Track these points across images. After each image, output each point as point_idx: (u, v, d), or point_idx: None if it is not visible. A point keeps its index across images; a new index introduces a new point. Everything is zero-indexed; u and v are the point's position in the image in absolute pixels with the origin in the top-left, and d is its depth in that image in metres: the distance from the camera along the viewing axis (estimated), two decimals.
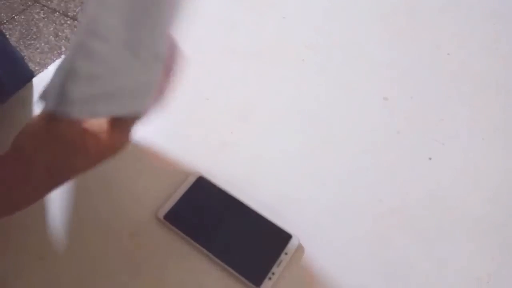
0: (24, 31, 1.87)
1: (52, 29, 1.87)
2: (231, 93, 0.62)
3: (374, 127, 0.57)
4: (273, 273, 0.45)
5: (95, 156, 0.34)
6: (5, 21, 1.91)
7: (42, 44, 1.82)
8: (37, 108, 0.34)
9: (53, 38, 1.84)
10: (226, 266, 0.46)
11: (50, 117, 0.32)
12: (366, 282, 0.46)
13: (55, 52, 1.78)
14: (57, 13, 1.93)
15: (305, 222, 0.49)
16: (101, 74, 0.32)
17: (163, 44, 0.35)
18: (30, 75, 0.65)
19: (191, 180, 0.52)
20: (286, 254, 0.46)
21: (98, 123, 0.32)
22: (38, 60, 1.77)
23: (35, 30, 1.87)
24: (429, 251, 0.47)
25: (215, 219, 0.49)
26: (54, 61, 0.66)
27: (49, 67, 0.65)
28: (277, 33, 0.69)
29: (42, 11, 1.95)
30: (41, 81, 0.64)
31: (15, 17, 1.93)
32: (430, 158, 0.54)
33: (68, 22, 1.89)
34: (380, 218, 0.50)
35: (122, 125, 0.34)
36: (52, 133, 0.33)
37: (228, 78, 0.64)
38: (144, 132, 0.57)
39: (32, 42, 1.83)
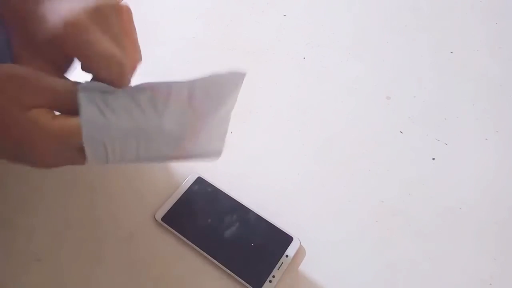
0: None
1: None
2: None
3: (376, 126, 0.57)
4: (273, 276, 0.44)
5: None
6: None
7: None
8: None
9: None
10: (226, 269, 0.45)
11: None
12: (367, 284, 0.45)
13: None
14: None
15: (306, 224, 0.49)
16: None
17: None
18: None
19: (190, 181, 0.51)
20: (287, 256, 0.46)
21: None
22: None
23: None
24: (431, 252, 0.47)
25: (214, 221, 0.49)
26: None
27: None
28: (278, 31, 0.68)
29: None
30: None
31: None
32: (433, 158, 0.53)
33: None
34: (382, 219, 0.49)
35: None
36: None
37: None
38: None
39: None
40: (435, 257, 0.47)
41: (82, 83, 0.31)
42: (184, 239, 0.47)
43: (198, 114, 0.34)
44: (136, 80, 0.66)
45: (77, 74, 0.34)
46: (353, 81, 0.62)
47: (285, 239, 0.47)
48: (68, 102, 0.30)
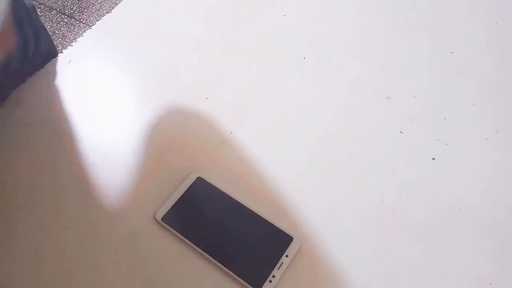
0: None
1: (49, 27, 1.85)
2: (231, 93, 0.61)
3: (376, 126, 0.57)
4: (273, 276, 0.44)
5: None
6: None
7: None
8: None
9: None
10: (226, 269, 0.45)
11: None
12: (367, 284, 0.45)
13: None
14: (54, 11, 1.92)
15: (306, 224, 0.49)
16: None
17: None
18: (53, 54, 0.66)
19: (190, 181, 0.51)
20: (287, 256, 0.46)
21: None
22: None
23: None
24: (431, 252, 0.47)
25: (214, 221, 0.49)
26: (43, 66, 0.65)
27: (45, 65, 0.64)
28: (278, 31, 0.68)
29: (38, 9, 1.94)
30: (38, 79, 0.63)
31: None
32: (433, 158, 0.53)
33: (65, 20, 1.88)
34: (382, 219, 0.49)
35: None
36: None
37: (228, 77, 0.63)
38: (142, 132, 0.57)
39: None
40: (435, 257, 0.47)
41: None
42: (184, 239, 0.47)
43: None
44: (139, 79, 0.66)
45: None
46: (353, 81, 0.62)
47: (285, 239, 0.47)
48: None
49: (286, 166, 0.53)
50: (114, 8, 0.71)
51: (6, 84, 0.60)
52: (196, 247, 0.46)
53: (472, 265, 0.46)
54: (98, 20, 0.70)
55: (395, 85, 0.61)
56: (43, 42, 0.65)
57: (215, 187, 0.51)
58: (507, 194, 0.51)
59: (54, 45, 0.68)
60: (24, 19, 0.60)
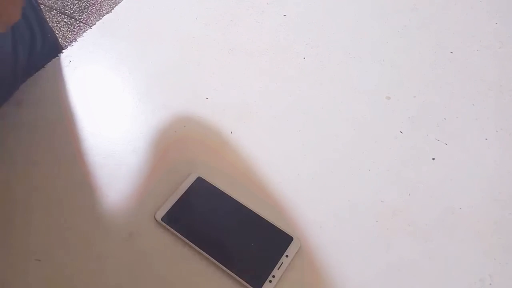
0: None
1: None
2: (231, 93, 0.61)
3: (376, 126, 0.57)
4: (273, 276, 0.44)
5: None
6: None
7: None
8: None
9: None
10: (226, 269, 0.45)
11: None
12: (367, 284, 0.45)
13: None
14: (54, 11, 1.92)
15: (306, 224, 0.49)
16: None
17: None
18: (58, 48, 0.66)
19: (190, 181, 0.51)
20: (287, 256, 0.46)
21: None
22: None
23: None
24: (431, 252, 0.47)
25: (214, 221, 0.49)
26: (50, 60, 0.65)
27: (46, 65, 0.64)
28: (278, 31, 0.68)
29: None
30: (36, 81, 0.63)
31: None
32: (433, 158, 0.53)
33: (65, 20, 1.88)
34: (382, 219, 0.49)
35: None
36: None
37: (228, 77, 0.63)
38: (142, 132, 0.57)
39: None
40: (435, 257, 0.47)
41: None
42: (184, 239, 0.47)
43: None
44: (139, 79, 0.66)
45: None
46: (353, 81, 0.62)
47: (285, 239, 0.47)
48: None
49: (286, 166, 0.53)
50: (114, 8, 0.71)
51: (17, 77, 0.61)
52: (196, 247, 0.46)
53: (472, 265, 0.46)
54: (98, 20, 0.70)
55: (395, 85, 0.61)
56: (48, 35, 0.65)
57: (215, 187, 0.51)
58: (507, 194, 0.51)
59: (58, 40, 0.69)
60: (29, 11, 0.60)
